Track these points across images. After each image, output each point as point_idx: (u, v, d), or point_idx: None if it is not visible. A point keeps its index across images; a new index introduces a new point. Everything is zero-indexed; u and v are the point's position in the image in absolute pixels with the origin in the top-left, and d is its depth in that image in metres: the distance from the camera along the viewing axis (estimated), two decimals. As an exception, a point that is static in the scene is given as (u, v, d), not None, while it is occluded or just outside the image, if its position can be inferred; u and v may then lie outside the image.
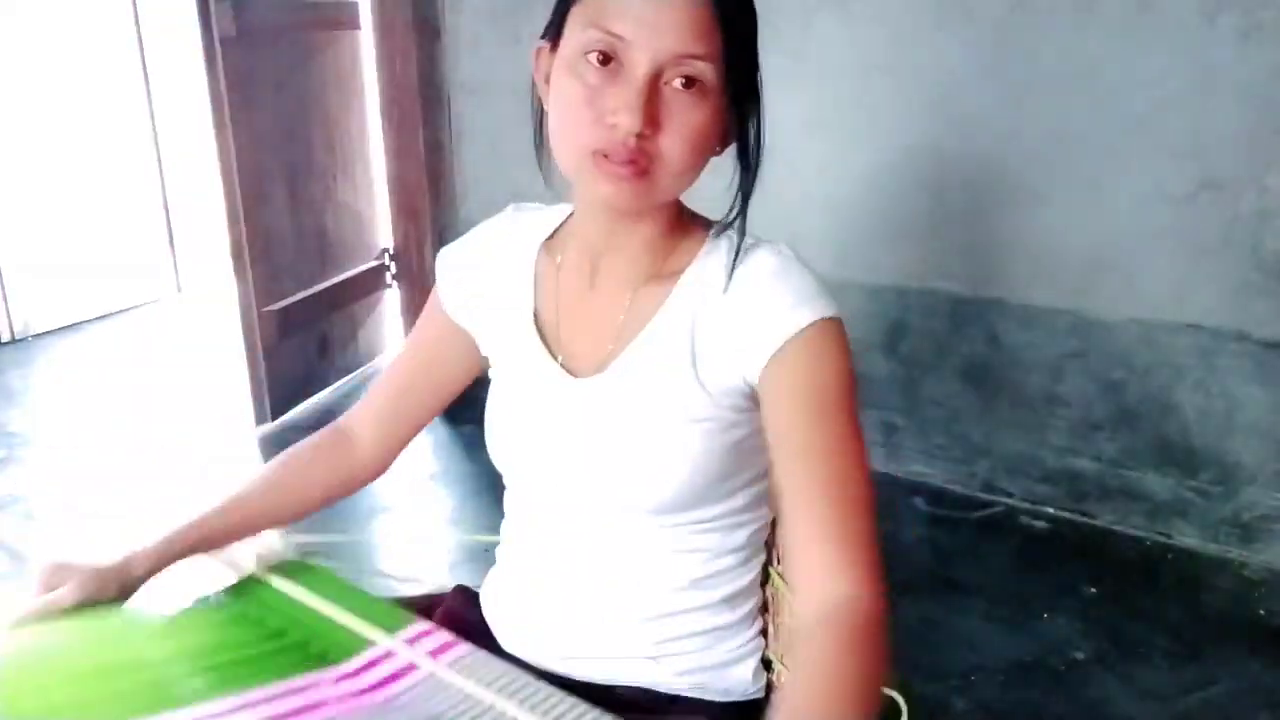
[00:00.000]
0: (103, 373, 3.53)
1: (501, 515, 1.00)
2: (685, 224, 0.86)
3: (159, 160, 4.30)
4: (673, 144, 0.74)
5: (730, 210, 0.82)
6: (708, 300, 0.81)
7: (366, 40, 3.21)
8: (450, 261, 0.96)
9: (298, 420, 3.03)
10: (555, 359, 0.87)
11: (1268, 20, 1.99)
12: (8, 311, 3.74)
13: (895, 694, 0.87)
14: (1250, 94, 2.04)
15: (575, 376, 0.86)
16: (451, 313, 0.95)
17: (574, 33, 0.75)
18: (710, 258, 0.83)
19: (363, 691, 0.77)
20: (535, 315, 0.89)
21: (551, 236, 0.92)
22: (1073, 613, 2.07)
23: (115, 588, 0.82)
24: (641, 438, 0.82)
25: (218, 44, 2.66)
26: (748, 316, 0.79)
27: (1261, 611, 2.09)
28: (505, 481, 0.96)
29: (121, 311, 4.15)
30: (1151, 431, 2.31)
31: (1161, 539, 2.34)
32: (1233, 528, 2.26)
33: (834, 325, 0.78)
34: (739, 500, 0.87)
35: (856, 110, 2.48)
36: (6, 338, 3.74)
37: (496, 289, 0.92)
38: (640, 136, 0.73)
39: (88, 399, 3.26)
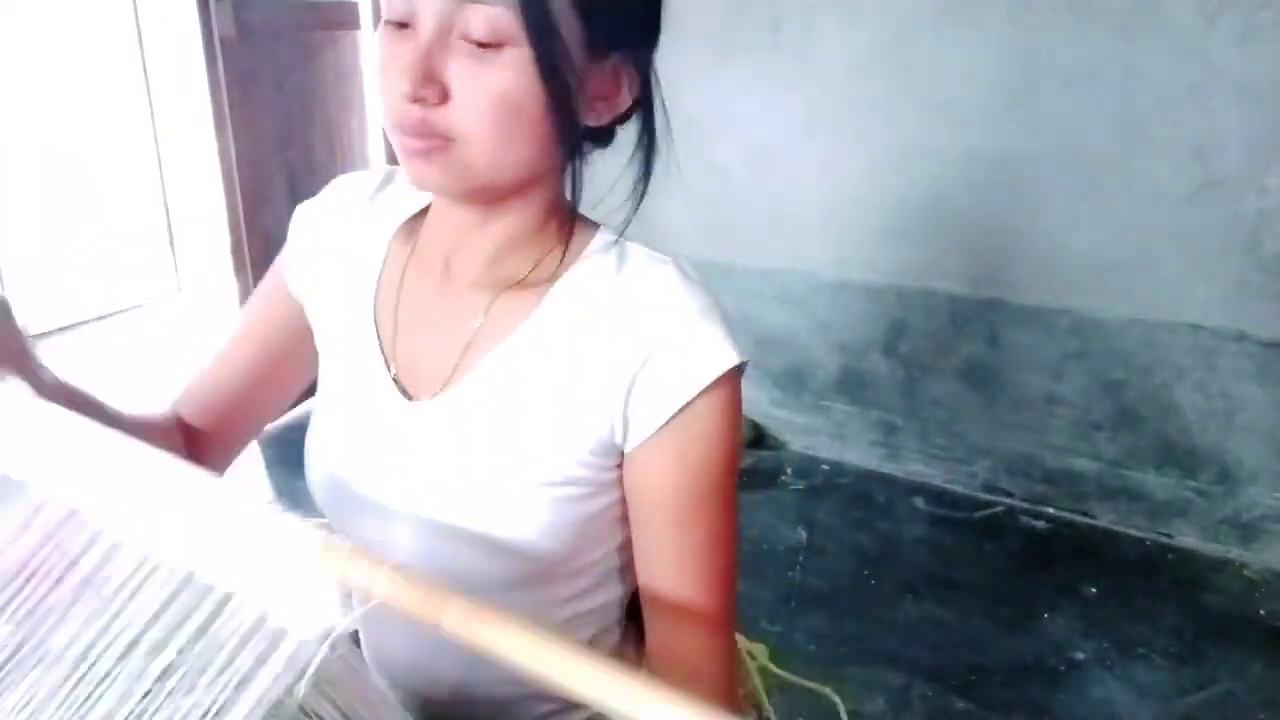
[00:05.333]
0: (103, 373, 3.52)
1: None
2: (563, 225, 0.70)
3: (159, 160, 4.29)
4: (465, 114, 0.60)
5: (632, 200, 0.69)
6: (585, 322, 0.66)
7: (366, 40, 3.21)
8: (305, 217, 0.82)
9: (298, 420, 3.02)
10: (389, 369, 0.72)
11: (1268, 21, 2.00)
12: (8, 311, 3.74)
13: (828, 690, 0.81)
14: (1250, 94, 2.04)
15: (410, 398, 0.70)
16: (290, 280, 0.80)
17: None
18: (593, 268, 0.68)
19: None
20: (374, 308, 0.74)
21: (413, 219, 0.76)
22: (1073, 613, 2.07)
23: None
24: (480, 489, 0.67)
25: (218, 44, 2.67)
26: (641, 356, 0.64)
27: (1261, 611, 2.09)
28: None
29: (121, 311, 4.15)
30: (1151, 431, 2.31)
31: (1161, 539, 2.34)
32: (1233, 528, 2.26)
33: (738, 374, 0.66)
34: (583, 582, 0.71)
35: (857, 110, 2.48)
36: (6, 338, 3.73)
37: (341, 262, 0.77)
38: (424, 103, 0.59)
39: (88, 399, 3.26)
